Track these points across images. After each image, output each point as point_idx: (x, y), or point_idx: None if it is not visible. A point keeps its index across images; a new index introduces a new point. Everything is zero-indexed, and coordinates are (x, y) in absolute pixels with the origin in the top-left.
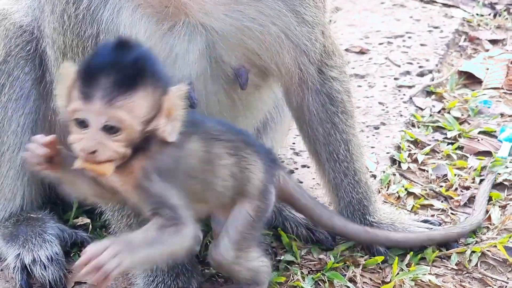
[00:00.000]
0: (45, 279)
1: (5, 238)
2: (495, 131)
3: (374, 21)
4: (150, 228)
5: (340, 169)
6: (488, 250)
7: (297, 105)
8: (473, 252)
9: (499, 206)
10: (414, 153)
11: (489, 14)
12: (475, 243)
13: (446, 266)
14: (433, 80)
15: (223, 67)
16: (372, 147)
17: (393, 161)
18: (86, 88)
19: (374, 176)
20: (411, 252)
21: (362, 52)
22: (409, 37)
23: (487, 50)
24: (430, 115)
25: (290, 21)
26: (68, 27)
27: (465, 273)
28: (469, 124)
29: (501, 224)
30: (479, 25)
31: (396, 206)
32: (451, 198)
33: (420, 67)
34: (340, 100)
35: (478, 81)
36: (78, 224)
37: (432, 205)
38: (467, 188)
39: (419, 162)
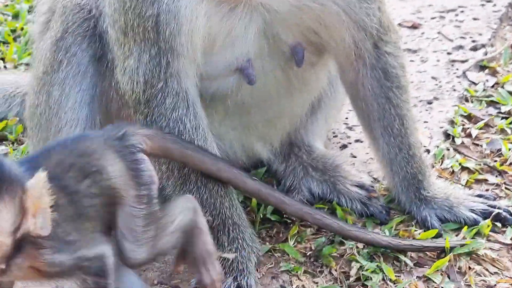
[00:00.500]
0: None
1: None
2: None
3: None
4: None
5: (394, 143)
6: None
7: (352, 81)
8: None
9: None
10: (468, 128)
11: None
12: None
13: (501, 241)
14: (486, 55)
15: (280, 45)
16: (425, 122)
17: (447, 136)
18: None
19: (428, 151)
20: (466, 227)
21: (414, 27)
22: (462, 11)
23: None
24: (484, 90)
25: None
26: (129, 8)
27: None
28: None
29: None
30: None
31: (450, 181)
32: (506, 172)
33: (473, 41)
34: (395, 75)
35: None
36: None
37: (486, 180)
38: None
39: (473, 136)
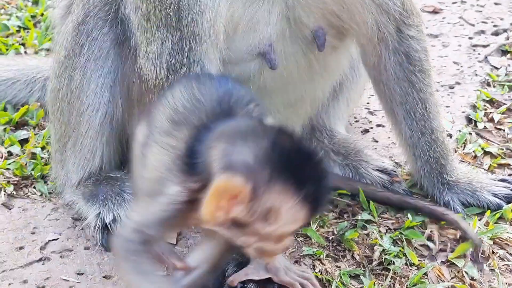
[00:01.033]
0: None
1: (85, 197)
2: None
3: None
4: None
5: (417, 127)
6: None
7: (374, 65)
8: None
9: None
10: (490, 112)
11: None
12: None
13: None
14: (508, 39)
15: (302, 29)
16: (447, 107)
17: (469, 120)
18: None
19: (450, 136)
20: (489, 211)
21: (435, 12)
22: None
23: None
24: (506, 74)
25: None
26: None
27: None
28: None
29: None
30: None
31: (472, 165)
32: None
33: (494, 26)
34: (417, 58)
35: None
36: None
37: (509, 164)
38: None
39: (495, 121)
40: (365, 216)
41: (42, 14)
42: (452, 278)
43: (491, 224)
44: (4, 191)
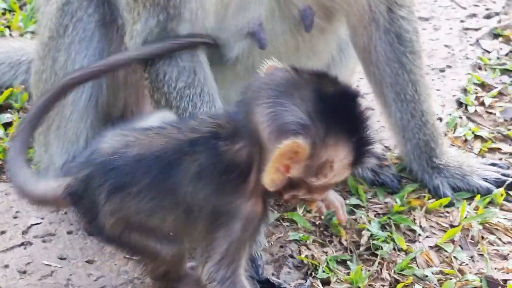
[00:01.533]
0: None
1: None
2: None
3: None
4: None
5: (407, 109)
6: None
7: (365, 45)
8: None
9: None
10: (481, 96)
11: None
12: None
13: None
14: (500, 23)
15: (291, 8)
16: (438, 90)
17: (460, 104)
18: None
19: (440, 119)
20: (478, 195)
21: None
22: None
23: None
24: (497, 58)
25: None
26: None
27: None
28: None
29: None
30: None
31: (463, 149)
32: None
33: (486, 9)
34: (408, 39)
35: None
36: None
37: (499, 149)
38: None
39: (486, 105)
40: (353, 200)
41: None
42: (441, 263)
43: (480, 208)
44: None
